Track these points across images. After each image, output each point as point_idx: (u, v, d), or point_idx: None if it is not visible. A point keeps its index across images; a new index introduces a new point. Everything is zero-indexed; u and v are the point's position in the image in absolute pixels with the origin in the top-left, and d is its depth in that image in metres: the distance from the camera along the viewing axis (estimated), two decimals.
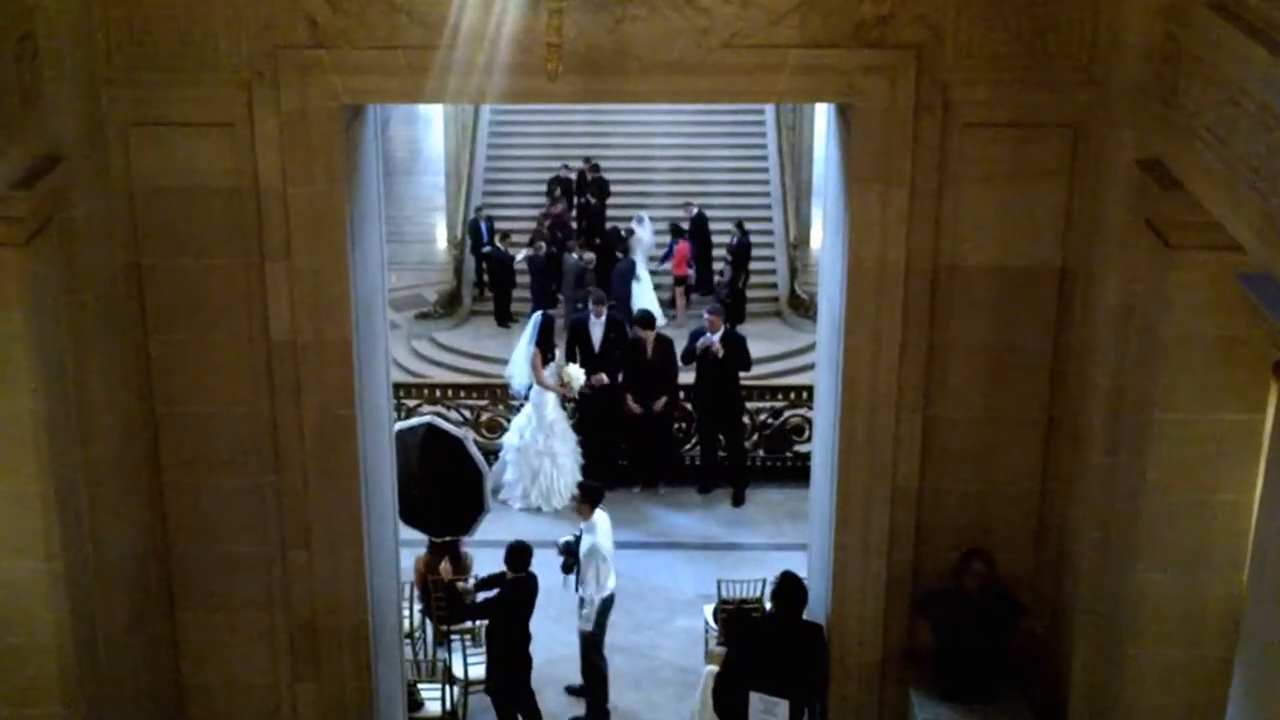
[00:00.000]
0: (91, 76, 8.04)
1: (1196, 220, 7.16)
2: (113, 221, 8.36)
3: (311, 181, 8.40)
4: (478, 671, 11.37)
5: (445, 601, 11.53)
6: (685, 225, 23.91)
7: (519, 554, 10.84)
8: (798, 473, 14.34)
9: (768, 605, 10.35)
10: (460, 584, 11.31)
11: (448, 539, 12.32)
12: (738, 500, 15.11)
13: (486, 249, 24.22)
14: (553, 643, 12.03)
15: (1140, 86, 7.79)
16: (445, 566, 11.28)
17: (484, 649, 11.29)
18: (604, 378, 15.23)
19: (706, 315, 15.33)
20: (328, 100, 8.26)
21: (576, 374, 15.10)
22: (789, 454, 15.46)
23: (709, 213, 24.43)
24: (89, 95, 8.04)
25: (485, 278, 24.66)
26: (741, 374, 15.24)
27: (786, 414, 15.57)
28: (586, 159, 25.59)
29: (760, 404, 15.64)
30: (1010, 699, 9.20)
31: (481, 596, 11.37)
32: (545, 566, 11.29)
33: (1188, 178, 7.22)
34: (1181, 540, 7.97)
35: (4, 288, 7.38)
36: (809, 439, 14.01)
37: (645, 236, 23.74)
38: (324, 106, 8.27)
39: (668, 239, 23.97)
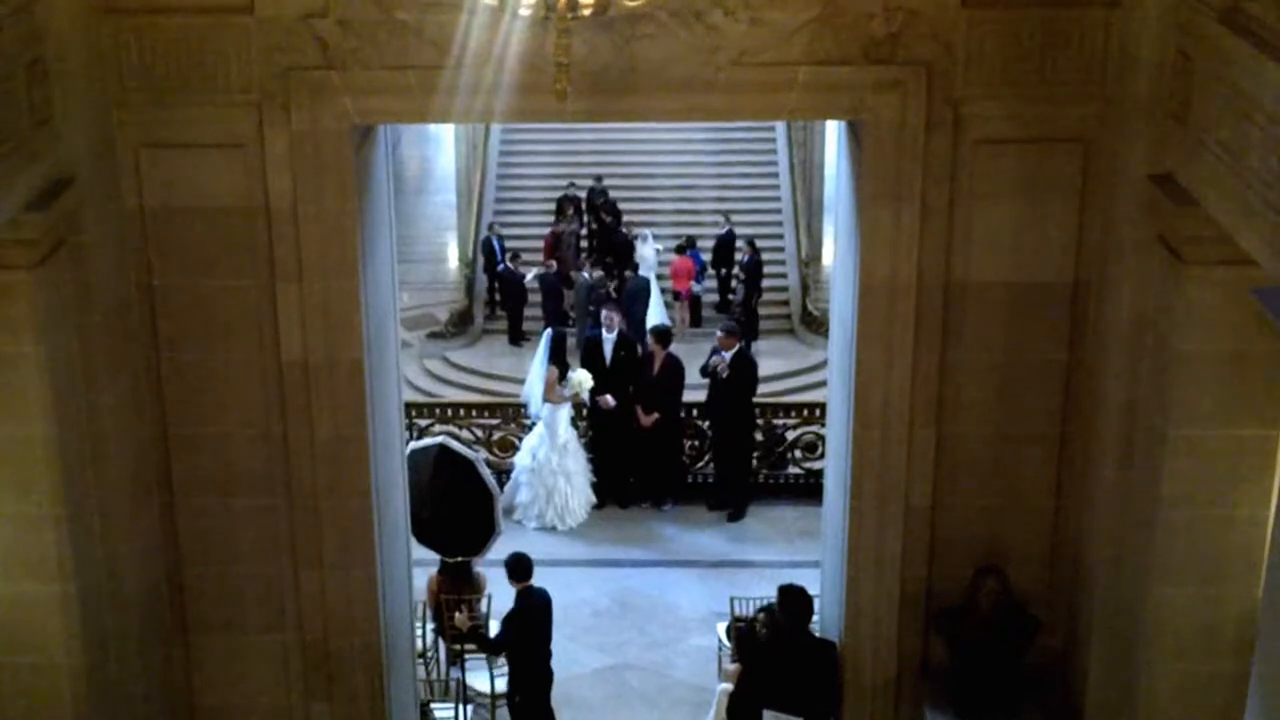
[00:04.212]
0: (103, 98, 8.06)
1: (1209, 235, 7.15)
2: (124, 243, 8.38)
3: (322, 201, 8.42)
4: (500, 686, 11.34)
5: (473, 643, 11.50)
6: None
7: (520, 566, 10.80)
8: (810, 489, 14.31)
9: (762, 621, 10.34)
10: (459, 615, 11.26)
11: (459, 559, 12.30)
12: (735, 516, 15.05)
13: (501, 268, 24.23)
14: (569, 661, 11.99)
15: (1152, 101, 7.77)
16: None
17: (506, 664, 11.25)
18: (610, 400, 15.19)
19: (719, 333, 15.29)
20: (338, 121, 8.28)
21: (585, 379, 15.07)
22: (798, 470, 15.40)
23: (719, 230, 24.47)
24: (100, 117, 8.07)
25: (497, 296, 24.67)
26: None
27: (786, 431, 15.50)
28: (598, 177, 25.63)
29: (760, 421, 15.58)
30: (1026, 715, 9.15)
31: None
32: (555, 582, 11.25)
33: (1200, 192, 7.20)
34: (1197, 555, 7.94)
35: (16, 310, 7.40)
36: (821, 455, 13.97)
37: (648, 255, 23.81)
38: (334, 127, 8.29)
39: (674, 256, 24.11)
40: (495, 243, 24.49)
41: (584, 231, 25.33)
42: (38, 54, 7.44)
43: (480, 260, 25.14)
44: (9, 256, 7.29)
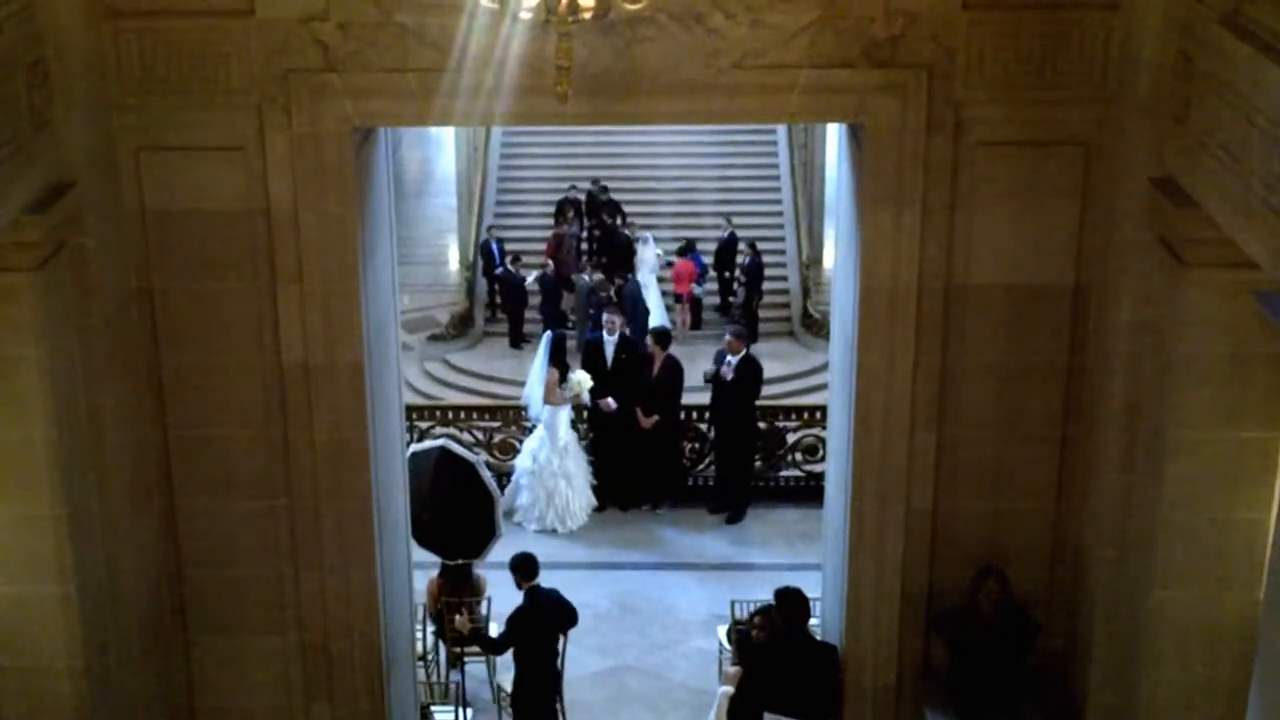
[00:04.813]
0: (103, 101, 8.07)
1: (1210, 237, 7.15)
2: (124, 245, 8.38)
3: (323, 204, 8.42)
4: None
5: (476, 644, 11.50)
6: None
7: (526, 565, 10.81)
8: (811, 491, 14.31)
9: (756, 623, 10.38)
10: (459, 618, 11.28)
11: (460, 562, 12.30)
12: (734, 518, 15.07)
13: (499, 270, 24.22)
14: (570, 663, 11.98)
15: (1153, 104, 7.78)
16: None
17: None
18: (611, 402, 15.20)
19: (728, 337, 15.29)
20: (339, 123, 8.28)
21: (585, 381, 15.08)
22: (799, 473, 15.40)
23: (721, 233, 24.46)
24: (100, 120, 8.07)
25: (498, 299, 24.65)
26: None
27: (787, 433, 15.51)
28: (595, 180, 25.61)
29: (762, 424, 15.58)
30: (1027, 717, 9.15)
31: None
32: (555, 585, 11.23)
33: (1201, 195, 7.20)
34: (1197, 558, 7.94)
35: (17, 312, 7.40)
36: (822, 458, 13.98)
37: (649, 257, 23.84)
38: (335, 129, 8.29)
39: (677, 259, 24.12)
40: (494, 245, 24.47)
41: (584, 234, 25.30)
42: (38, 56, 7.45)
43: (480, 263, 25.12)
44: (10, 259, 7.30)
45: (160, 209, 8.39)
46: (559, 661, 11.06)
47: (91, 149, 7.97)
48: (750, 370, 14.93)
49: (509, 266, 23.76)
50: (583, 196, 25.45)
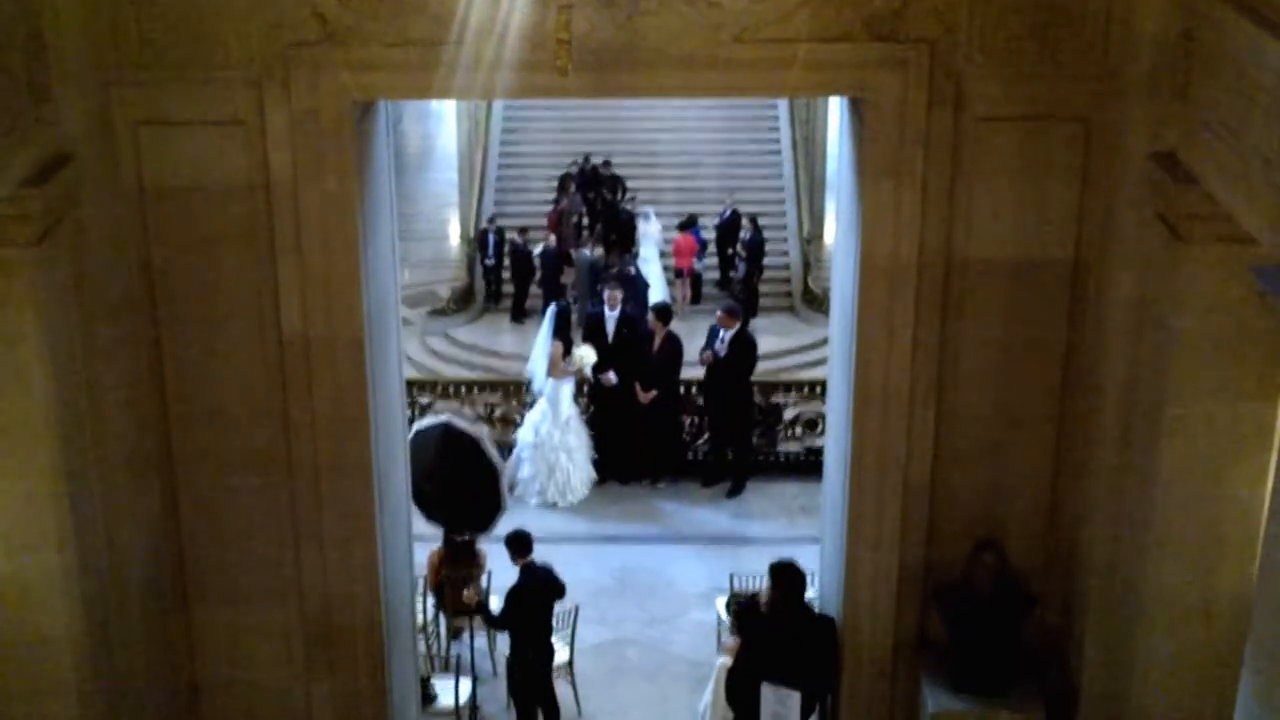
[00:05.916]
0: (101, 75, 8.05)
1: (1209, 213, 7.15)
2: (123, 220, 8.37)
3: (323, 179, 8.41)
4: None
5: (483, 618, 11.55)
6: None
7: (520, 542, 10.84)
8: (811, 466, 14.35)
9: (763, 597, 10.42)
10: (467, 591, 11.32)
11: (466, 536, 12.31)
12: (733, 492, 15.13)
13: (490, 262, 24.19)
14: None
15: (1153, 79, 7.76)
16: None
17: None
18: (613, 377, 15.22)
19: (719, 312, 15.29)
20: (339, 97, 8.27)
21: (588, 354, 15.10)
22: (798, 449, 15.43)
23: (722, 210, 24.44)
24: (98, 94, 8.05)
25: (504, 280, 24.55)
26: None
27: (785, 409, 15.53)
28: (586, 156, 25.53)
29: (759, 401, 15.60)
30: (1022, 690, 9.20)
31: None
32: (555, 559, 11.27)
33: (1201, 170, 7.20)
34: (1193, 533, 7.95)
35: (15, 287, 7.39)
36: (822, 432, 14.00)
37: (652, 232, 23.85)
38: (335, 103, 8.27)
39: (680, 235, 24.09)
40: (490, 236, 24.39)
41: (583, 209, 25.27)
42: (35, 29, 7.42)
43: (478, 254, 25.03)
44: (8, 233, 7.28)
45: (159, 184, 8.37)
46: (570, 635, 11.08)
47: (90, 123, 7.96)
48: (743, 346, 14.93)
49: (517, 239, 23.76)
50: (576, 171, 25.44)
